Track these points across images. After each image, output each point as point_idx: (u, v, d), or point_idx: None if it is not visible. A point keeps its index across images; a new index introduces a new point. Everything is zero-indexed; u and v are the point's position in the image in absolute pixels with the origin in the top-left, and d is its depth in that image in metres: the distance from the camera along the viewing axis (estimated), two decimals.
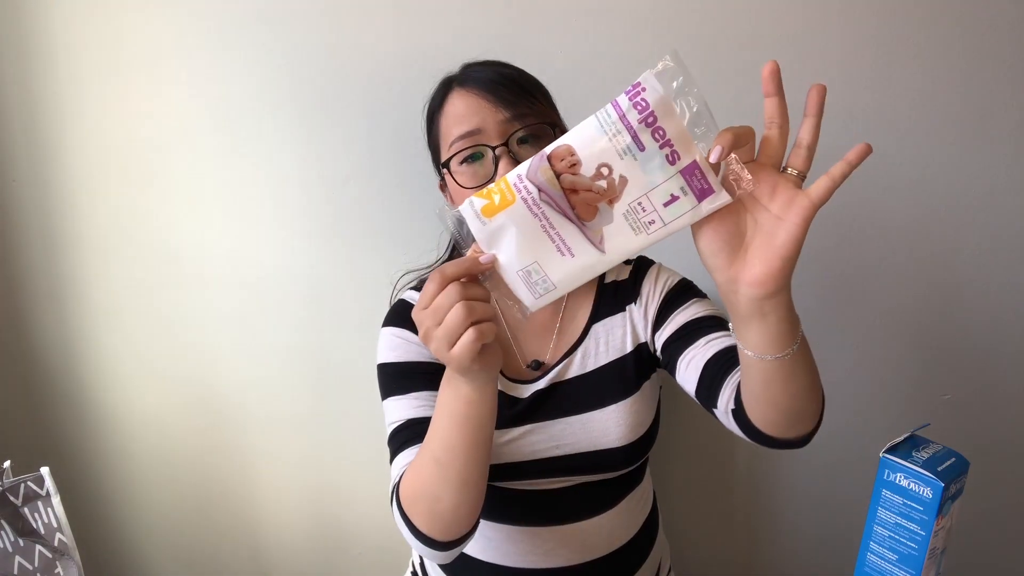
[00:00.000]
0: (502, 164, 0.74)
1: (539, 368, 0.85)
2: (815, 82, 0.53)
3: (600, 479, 0.84)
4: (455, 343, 0.56)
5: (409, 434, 0.76)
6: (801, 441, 0.69)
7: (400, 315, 0.86)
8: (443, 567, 0.89)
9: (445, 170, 0.79)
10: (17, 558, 0.75)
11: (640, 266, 0.89)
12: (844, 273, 1.16)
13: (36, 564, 0.75)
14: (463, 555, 0.85)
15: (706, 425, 0.78)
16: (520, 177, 0.54)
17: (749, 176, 0.51)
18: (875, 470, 0.66)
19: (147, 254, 1.13)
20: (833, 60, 1.06)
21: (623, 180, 0.53)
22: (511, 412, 0.81)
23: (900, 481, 0.64)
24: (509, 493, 0.83)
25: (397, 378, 0.82)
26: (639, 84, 0.51)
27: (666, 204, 0.53)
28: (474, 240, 0.57)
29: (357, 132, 1.08)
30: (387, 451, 0.79)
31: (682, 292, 0.84)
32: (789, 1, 1.04)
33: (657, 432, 0.86)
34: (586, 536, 0.84)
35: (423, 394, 0.79)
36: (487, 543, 0.85)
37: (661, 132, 0.51)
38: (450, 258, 0.95)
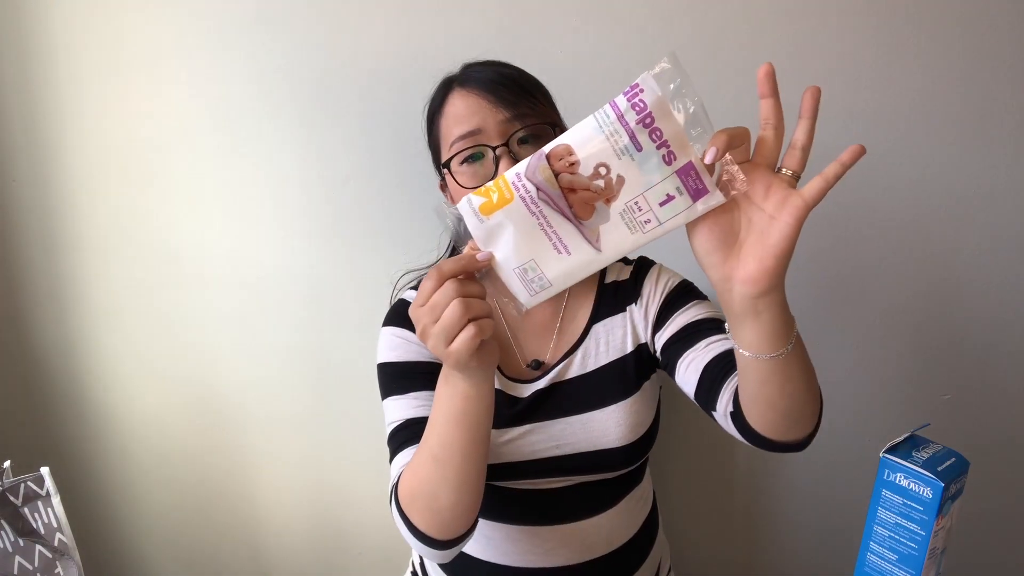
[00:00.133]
0: (502, 164, 0.74)
1: (539, 368, 0.85)
2: (815, 82, 0.53)
3: (600, 479, 0.84)
4: (453, 339, 0.57)
5: (409, 434, 0.76)
6: (799, 445, 0.69)
7: (400, 315, 0.86)
8: (443, 567, 0.89)
9: (445, 170, 0.79)
10: (17, 558, 0.75)
11: (641, 266, 0.89)
12: (844, 273, 1.16)
13: (36, 564, 0.75)
14: (463, 554, 0.85)
15: (706, 425, 0.78)
16: (519, 176, 0.55)
17: (743, 177, 0.53)
18: (875, 470, 0.66)
19: (147, 254, 1.13)
20: (833, 60, 1.06)
21: (620, 180, 0.54)
22: (511, 412, 0.81)
23: (900, 481, 0.64)
24: (509, 493, 0.83)
25: (397, 378, 0.82)
26: (637, 85, 0.51)
27: (662, 204, 0.54)
28: (471, 237, 0.57)
29: (357, 132, 1.08)
30: (387, 451, 0.79)
31: (683, 293, 0.84)
32: (789, 1, 1.04)
33: (657, 432, 0.86)
34: (586, 536, 0.84)
35: (423, 394, 0.79)
36: (487, 542, 0.85)
37: (658, 133, 0.52)
38: (449, 257, 0.95)
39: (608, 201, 0.54)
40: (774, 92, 0.53)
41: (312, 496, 1.26)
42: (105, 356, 1.18)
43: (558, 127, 0.79)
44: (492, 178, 0.74)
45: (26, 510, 0.76)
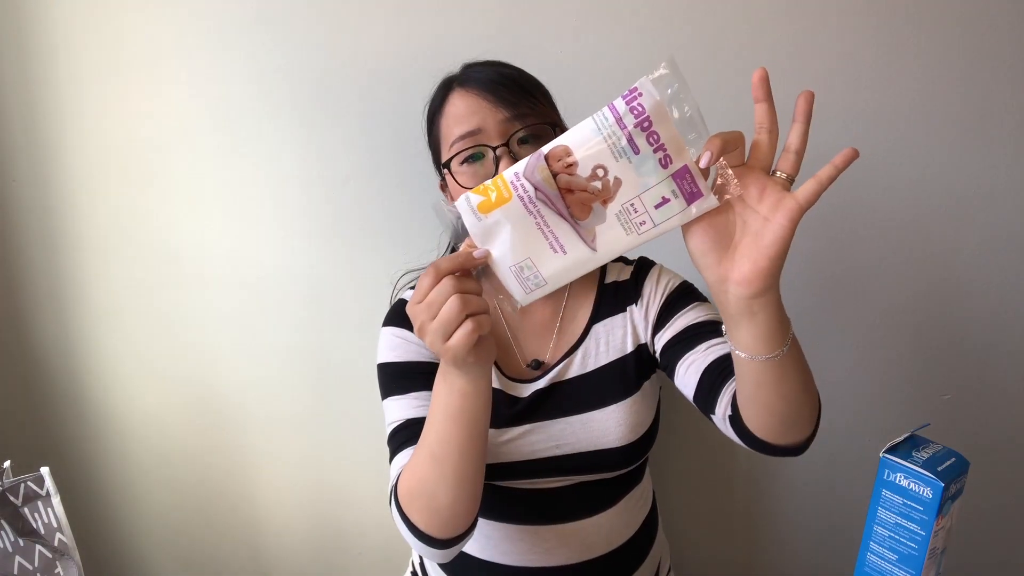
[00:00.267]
0: (502, 164, 0.74)
1: (539, 368, 0.85)
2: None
3: (599, 478, 0.84)
4: (451, 335, 0.57)
5: (408, 434, 0.76)
6: (797, 449, 0.69)
7: (400, 315, 0.86)
8: (443, 566, 0.89)
9: (446, 170, 0.79)
10: (17, 558, 0.75)
11: (641, 267, 0.89)
12: (844, 273, 1.16)
13: (36, 564, 0.75)
14: (462, 554, 0.85)
15: (706, 425, 0.78)
16: (517, 175, 0.55)
17: (737, 181, 0.54)
18: (875, 470, 0.66)
19: (147, 254, 1.13)
20: (833, 60, 1.06)
21: (617, 181, 0.54)
22: (511, 411, 0.81)
23: (900, 481, 0.64)
24: (509, 492, 0.83)
25: (397, 378, 0.82)
26: (636, 89, 0.52)
27: (657, 206, 0.55)
28: (468, 235, 0.58)
29: (357, 132, 1.08)
30: (387, 451, 0.79)
31: (683, 295, 0.84)
32: (789, 1, 1.04)
33: (657, 432, 0.86)
34: (585, 535, 0.84)
35: (423, 394, 0.79)
36: (487, 542, 0.85)
37: (655, 136, 0.53)
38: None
39: (605, 202, 0.55)
40: (768, 97, 0.54)
41: (312, 496, 1.26)
42: (105, 356, 1.18)
43: (558, 127, 0.79)
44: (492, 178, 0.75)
45: (26, 510, 0.76)
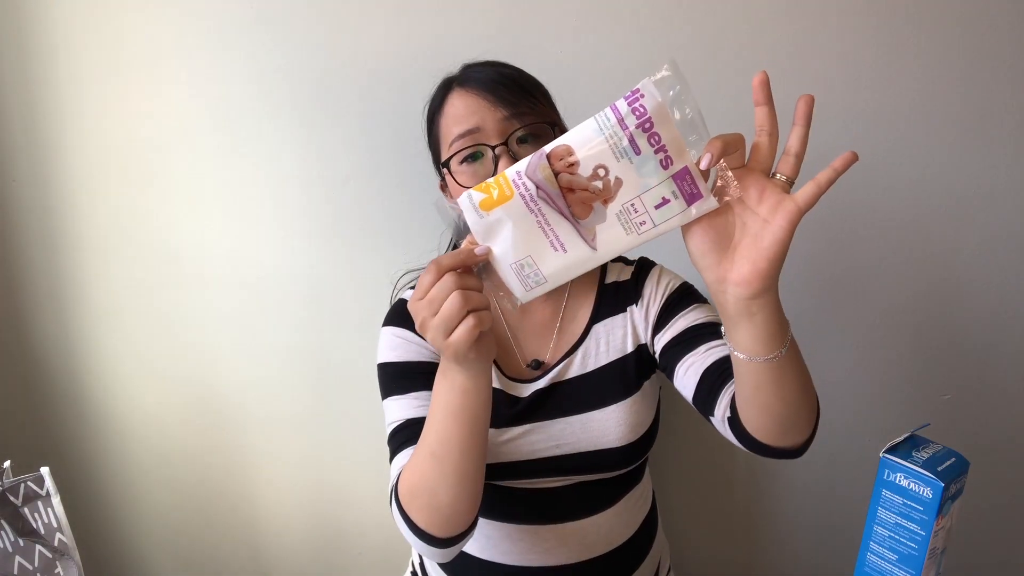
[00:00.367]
0: (502, 163, 0.74)
1: (539, 368, 0.85)
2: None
3: (599, 478, 0.84)
4: (452, 331, 0.57)
5: (409, 433, 0.76)
6: (796, 451, 0.70)
7: (400, 315, 0.86)
8: (443, 566, 0.89)
9: (445, 170, 0.79)
10: (17, 558, 0.75)
11: (642, 267, 0.89)
12: (844, 273, 1.16)
13: (36, 564, 0.75)
14: (462, 554, 0.85)
15: (706, 425, 0.78)
16: (519, 174, 0.56)
17: (737, 183, 0.54)
18: (875, 470, 0.66)
19: (147, 254, 1.13)
20: (833, 60, 1.06)
21: (618, 181, 0.55)
22: (511, 411, 0.81)
23: (900, 481, 0.64)
24: (508, 492, 0.83)
25: (397, 378, 0.82)
26: (638, 91, 0.52)
27: (657, 207, 0.55)
28: (470, 232, 0.58)
29: (357, 132, 1.08)
30: (387, 451, 0.79)
31: (683, 296, 0.84)
32: (789, 1, 1.04)
33: (657, 432, 0.86)
34: (585, 535, 0.84)
35: (423, 394, 0.79)
36: (487, 541, 0.85)
37: (656, 137, 0.53)
38: None
39: (605, 202, 0.56)
40: (768, 100, 0.55)
41: (312, 496, 1.26)
42: (105, 356, 1.18)
43: (557, 127, 0.79)
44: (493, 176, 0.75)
45: (26, 510, 0.76)
